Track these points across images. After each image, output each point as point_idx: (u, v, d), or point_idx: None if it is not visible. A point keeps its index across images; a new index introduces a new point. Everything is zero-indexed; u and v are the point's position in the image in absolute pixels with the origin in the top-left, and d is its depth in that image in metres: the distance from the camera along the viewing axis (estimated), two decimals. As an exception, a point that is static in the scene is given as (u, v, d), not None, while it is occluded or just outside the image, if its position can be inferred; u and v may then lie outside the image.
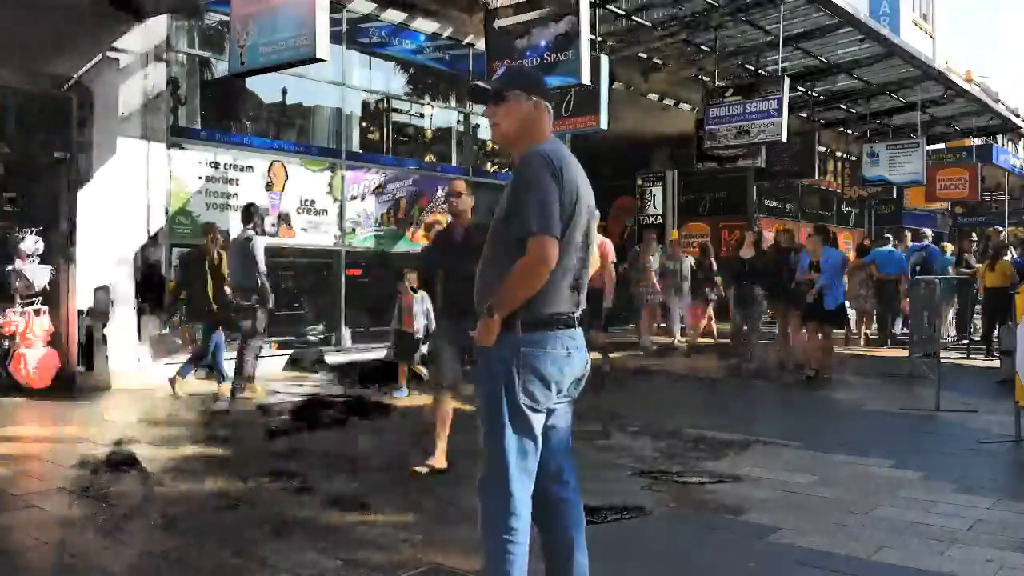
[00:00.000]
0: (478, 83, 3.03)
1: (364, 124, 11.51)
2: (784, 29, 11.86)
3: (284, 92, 10.52)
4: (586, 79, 8.88)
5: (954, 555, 3.72)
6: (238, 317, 7.73)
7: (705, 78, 14.08)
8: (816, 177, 17.79)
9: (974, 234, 18.20)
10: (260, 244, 7.68)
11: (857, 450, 5.82)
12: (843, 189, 21.74)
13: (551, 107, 2.91)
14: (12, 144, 8.49)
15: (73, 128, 8.09)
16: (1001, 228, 14.56)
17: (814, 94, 16.54)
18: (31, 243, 7.80)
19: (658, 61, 14.29)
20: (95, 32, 8.09)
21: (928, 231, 14.61)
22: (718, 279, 12.65)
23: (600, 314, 8.44)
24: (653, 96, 15.00)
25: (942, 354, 8.56)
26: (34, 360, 7.70)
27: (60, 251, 8.12)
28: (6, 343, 7.73)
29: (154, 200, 8.65)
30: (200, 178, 9.08)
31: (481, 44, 10.43)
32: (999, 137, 23.27)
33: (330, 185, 10.42)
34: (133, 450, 5.53)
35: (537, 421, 2.65)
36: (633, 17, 12.40)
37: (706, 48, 13.41)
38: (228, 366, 8.00)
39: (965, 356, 11.80)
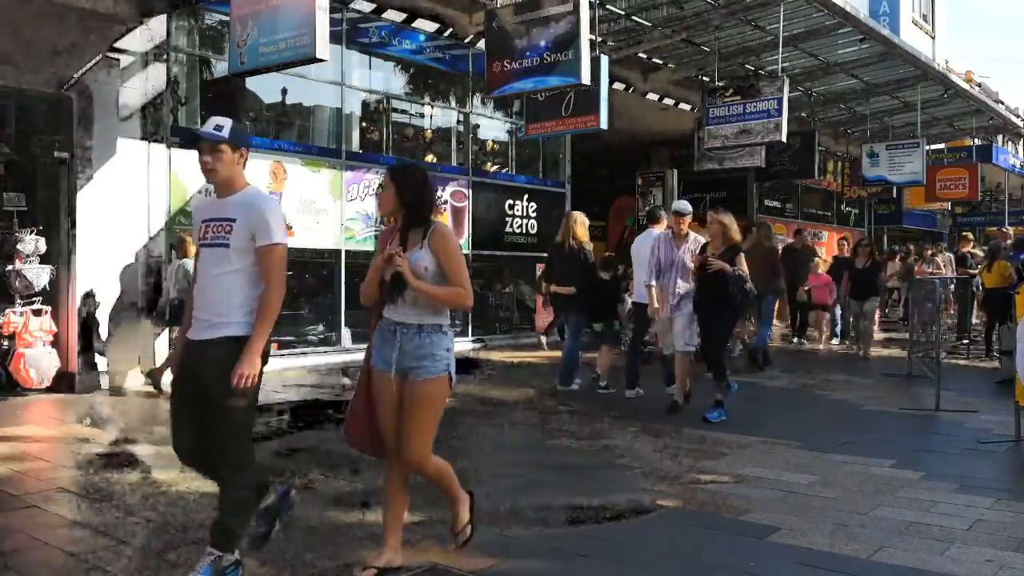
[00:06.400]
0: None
1: (364, 124, 11.51)
2: (784, 29, 11.85)
3: (284, 92, 10.52)
4: (586, 79, 8.87)
5: (954, 555, 3.72)
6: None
7: (705, 78, 14.08)
8: (816, 177, 17.79)
9: (970, 234, 18.23)
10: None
11: (857, 450, 5.82)
12: (843, 189, 21.74)
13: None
14: (12, 144, 8.49)
15: (73, 128, 8.09)
16: (1007, 229, 14.51)
17: (814, 94, 16.54)
18: (31, 243, 7.80)
19: (658, 61, 14.30)
20: (95, 32, 8.08)
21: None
22: None
23: None
24: (653, 96, 15.00)
25: (942, 354, 8.56)
26: (34, 360, 7.70)
27: (60, 251, 8.12)
28: (6, 343, 7.73)
29: (154, 200, 8.65)
30: (200, 178, 9.07)
31: (481, 44, 10.43)
32: (999, 137, 23.28)
33: (330, 185, 10.42)
34: (133, 450, 5.53)
35: None
36: (633, 17, 12.40)
37: (706, 48, 13.41)
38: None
39: (965, 356, 11.81)
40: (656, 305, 7.38)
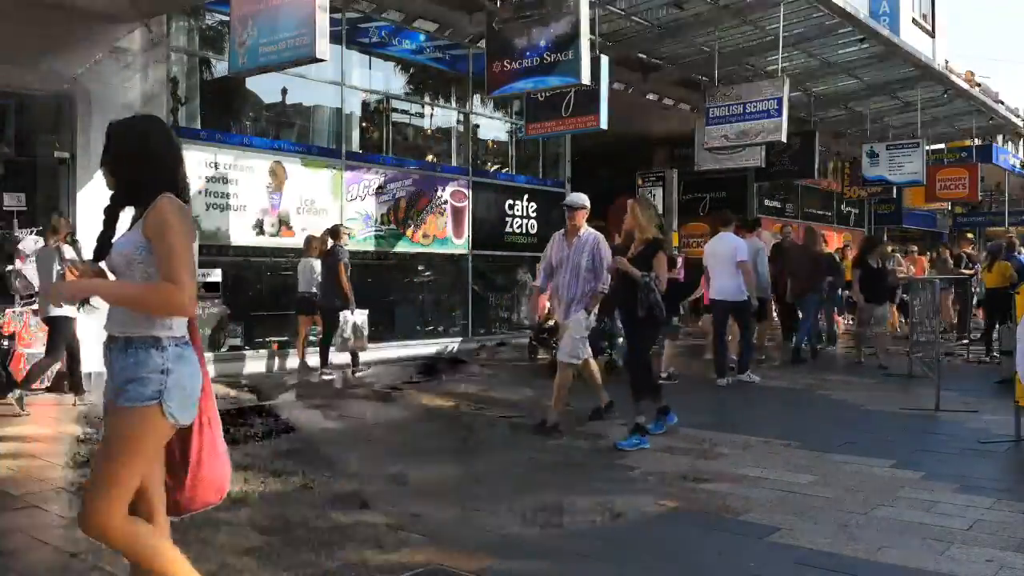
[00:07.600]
0: None
1: (364, 124, 11.52)
2: (784, 29, 11.85)
3: (284, 92, 10.52)
4: (586, 79, 8.87)
5: (954, 555, 3.72)
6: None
7: (705, 78, 14.07)
8: (816, 177, 17.79)
9: (971, 235, 18.24)
10: None
11: (857, 450, 5.82)
12: (843, 189, 21.74)
13: None
14: (12, 144, 8.49)
15: (73, 128, 8.09)
16: (1011, 230, 14.55)
17: (814, 94, 16.53)
18: (31, 243, 7.81)
19: (658, 61, 14.29)
20: (95, 32, 8.08)
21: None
22: None
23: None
24: (653, 96, 14.99)
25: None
26: (34, 360, 7.69)
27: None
28: (6, 343, 7.73)
29: (154, 200, 8.64)
30: (200, 178, 9.07)
31: (481, 44, 10.43)
32: (999, 137, 23.27)
33: (330, 185, 10.42)
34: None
35: None
36: (633, 17, 12.40)
37: (706, 48, 13.40)
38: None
39: (965, 356, 11.81)
40: (536, 313, 7.27)
